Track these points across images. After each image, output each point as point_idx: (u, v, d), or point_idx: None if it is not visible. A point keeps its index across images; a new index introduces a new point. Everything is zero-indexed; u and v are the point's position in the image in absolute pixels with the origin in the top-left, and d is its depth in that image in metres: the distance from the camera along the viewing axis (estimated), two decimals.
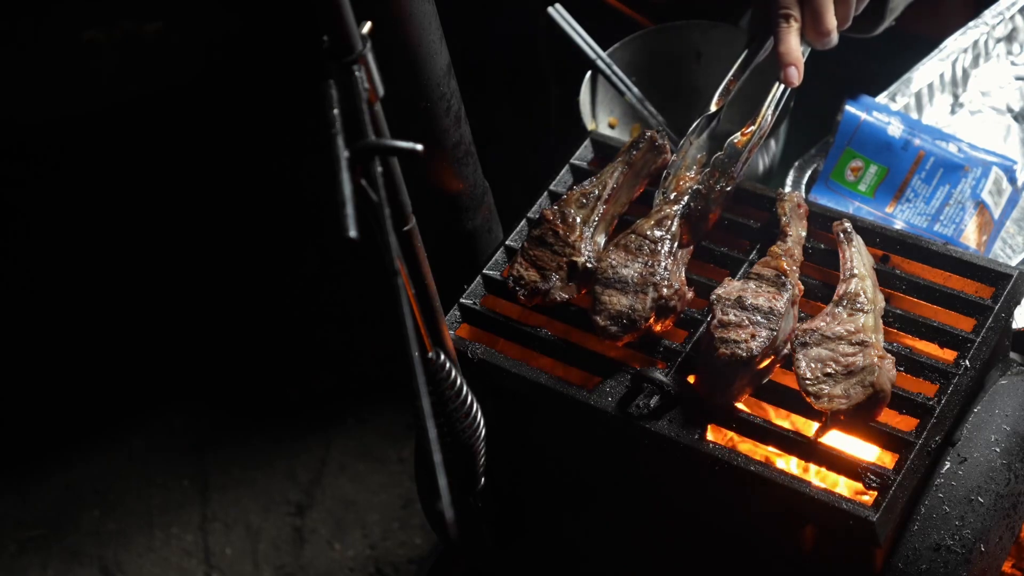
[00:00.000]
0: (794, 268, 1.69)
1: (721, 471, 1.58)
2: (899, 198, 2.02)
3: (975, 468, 1.60)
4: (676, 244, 1.73)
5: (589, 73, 2.25)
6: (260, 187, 3.38)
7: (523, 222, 1.87)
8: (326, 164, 1.13)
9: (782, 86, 1.82)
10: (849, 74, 2.08)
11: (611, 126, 2.27)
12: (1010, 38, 2.23)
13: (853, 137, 2.05)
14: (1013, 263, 2.01)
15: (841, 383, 1.58)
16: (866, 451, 1.64)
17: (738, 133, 1.81)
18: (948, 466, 1.61)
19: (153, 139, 3.47)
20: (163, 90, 3.50)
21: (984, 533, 1.59)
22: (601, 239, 1.79)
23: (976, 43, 2.19)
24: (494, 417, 1.63)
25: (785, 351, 1.64)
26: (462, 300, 1.81)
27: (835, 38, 1.82)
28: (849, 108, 2.06)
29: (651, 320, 1.67)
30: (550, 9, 2.31)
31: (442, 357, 1.46)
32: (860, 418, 1.57)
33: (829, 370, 1.59)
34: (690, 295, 1.71)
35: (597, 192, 1.81)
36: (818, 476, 1.67)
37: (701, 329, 1.70)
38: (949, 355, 1.66)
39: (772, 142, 2.10)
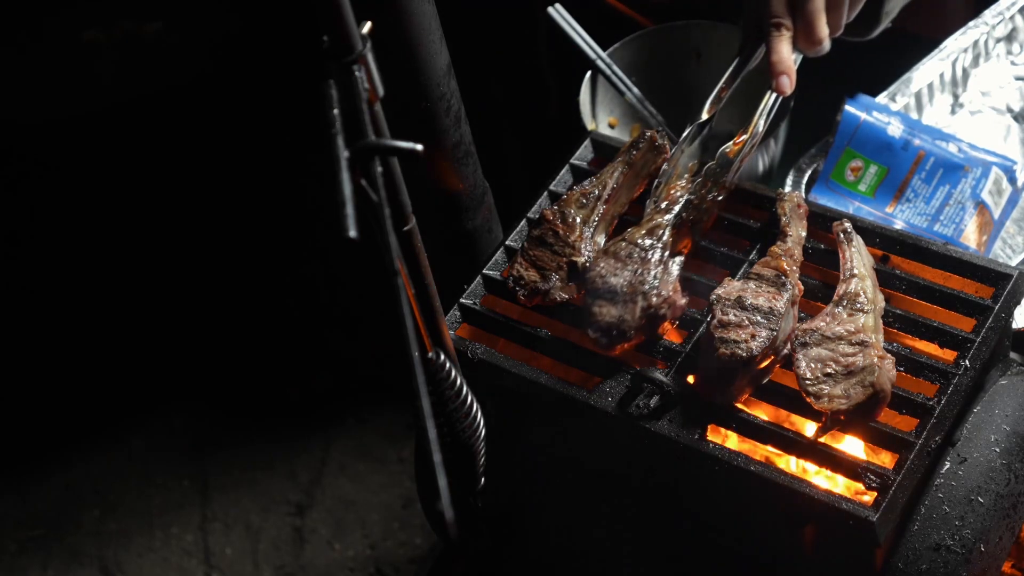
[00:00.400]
0: (794, 268, 1.69)
1: (721, 471, 1.58)
2: (899, 198, 2.02)
3: (975, 468, 1.60)
4: (667, 253, 1.72)
5: (589, 73, 2.25)
6: (260, 187, 3.38)
7: (523, 222, 1.87)
8: (326, 164, 1.13)
9: (774, 95, 1.82)
10: (849, 74, 2.08)
11: (611, 126, 2.27)
12: (1010, 38, 2.23)
13: (853, 137, 2.05)
14: (1013, 263, 2.01)
15: (841, 383, 1.57)
16: (866, 451, 1.64)
17: (730, 143, 1.81)
18: (948, 466, 1.61)
19: (153, 139, 3.46)
20: (163, 90, 3.50)
21: (984, 533, 1.58)
22: (601, 239, 1.79)
23: (976, 43, 2.19)
24: (494, 417, 1.63)
25: (785, 351, 1.64)
26: (462, 300, 1.81)
27: (827, 46, 1.82)
28: (849, 108, 2.06)
29: (641, 329, 1.67)
30: (550, 9, 2.31)
31: (442, 357, 1.46)
32: (860, 418, 1.57)
33: (829, 370, 1.59)
34: (683, 302, 1.71)
35: (597, 192, 1.80)
36: (818, 476, 1.67)
37: (701, 329, 1.70)
38: (949, 355, 1.65)
39: (772, 142, 2.10)
